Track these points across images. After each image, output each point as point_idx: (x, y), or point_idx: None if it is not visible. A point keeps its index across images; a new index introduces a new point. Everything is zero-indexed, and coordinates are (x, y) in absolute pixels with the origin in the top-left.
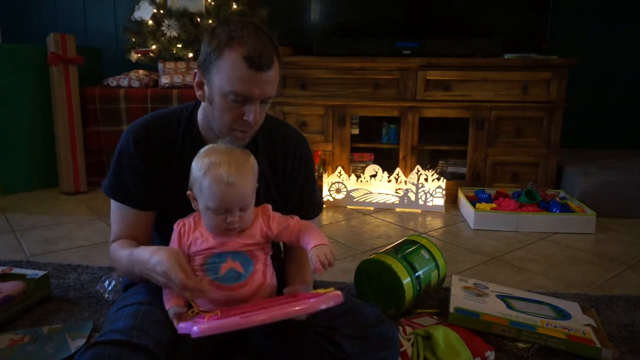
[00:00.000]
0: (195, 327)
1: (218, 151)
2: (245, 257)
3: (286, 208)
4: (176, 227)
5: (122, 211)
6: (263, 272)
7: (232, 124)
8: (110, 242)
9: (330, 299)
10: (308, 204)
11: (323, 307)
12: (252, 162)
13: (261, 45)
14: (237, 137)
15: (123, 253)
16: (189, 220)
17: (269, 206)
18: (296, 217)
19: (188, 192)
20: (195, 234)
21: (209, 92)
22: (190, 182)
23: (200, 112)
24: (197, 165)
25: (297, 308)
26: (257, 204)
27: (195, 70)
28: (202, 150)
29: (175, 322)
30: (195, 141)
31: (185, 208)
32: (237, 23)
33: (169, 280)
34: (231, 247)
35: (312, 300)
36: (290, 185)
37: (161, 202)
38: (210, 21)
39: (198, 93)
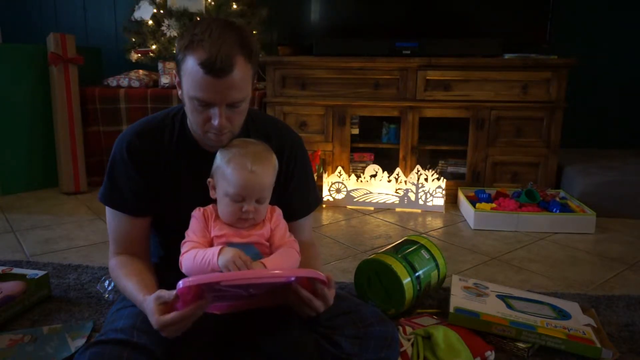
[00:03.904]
0: (180, 282)
1: (245, 142)
2: (255, 252)
3: (283, 205)
4: (198, 211)
5: (118, 218)
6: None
7: (203, 125)
8: (111, 253)
9: (312, 272)
10: (305, 201)
11: (303, 275)
12: (274, 159)
13: (221, 49)
14: (212, 139)
15: (127, 284)
16: (209, 208)
17: (280, 210)
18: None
19: (208, 180)
20: (216, 221)
21: (182, 93)
22: (213, 171)
23: None
24: (222, 154)
25: (279, 272)
26: None
27: (174, 70)
28: (231, 142)
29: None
30: (187, 143)
31: (184, 211)
32: (204, 24)
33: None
34: (247, 239)
35: (294, 268)
36: (286, 184)
37: (158, 207)
38: None
39: (179, 92)
